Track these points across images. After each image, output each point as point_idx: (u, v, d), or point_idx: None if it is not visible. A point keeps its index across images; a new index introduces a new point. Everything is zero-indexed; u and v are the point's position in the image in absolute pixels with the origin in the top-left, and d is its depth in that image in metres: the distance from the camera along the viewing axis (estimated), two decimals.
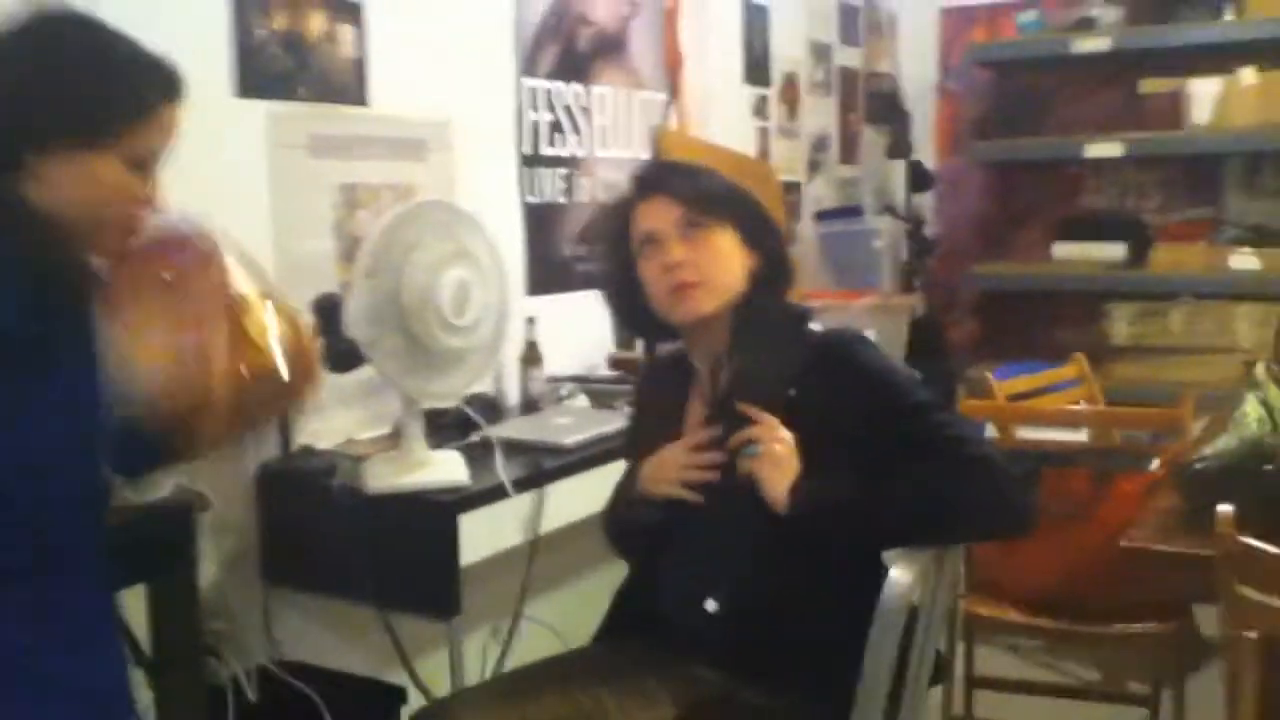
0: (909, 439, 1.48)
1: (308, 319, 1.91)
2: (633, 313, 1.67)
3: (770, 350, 1.54)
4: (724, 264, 1.55)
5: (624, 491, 1.74)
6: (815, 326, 1.61)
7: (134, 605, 1.67)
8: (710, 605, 1.51)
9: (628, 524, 1.71)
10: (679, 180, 1.61)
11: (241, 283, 1.25)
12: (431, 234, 1.97)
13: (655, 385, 1.77)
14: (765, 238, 1.62)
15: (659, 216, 1.56)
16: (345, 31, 2.40)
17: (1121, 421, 2.91)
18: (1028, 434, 2.84)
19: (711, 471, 1.54)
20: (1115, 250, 4.11)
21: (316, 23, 2.33)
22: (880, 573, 1.49)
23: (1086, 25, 4.07)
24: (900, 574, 1.45)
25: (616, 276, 1.65)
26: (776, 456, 1.46)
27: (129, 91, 1.21)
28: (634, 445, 1.78)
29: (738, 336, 1.56)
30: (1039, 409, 2.96)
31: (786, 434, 1.47)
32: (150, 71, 1.23)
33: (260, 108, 2.23)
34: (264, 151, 2.25)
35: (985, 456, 1.47)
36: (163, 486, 1.68)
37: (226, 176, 2.12)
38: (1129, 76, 4.18)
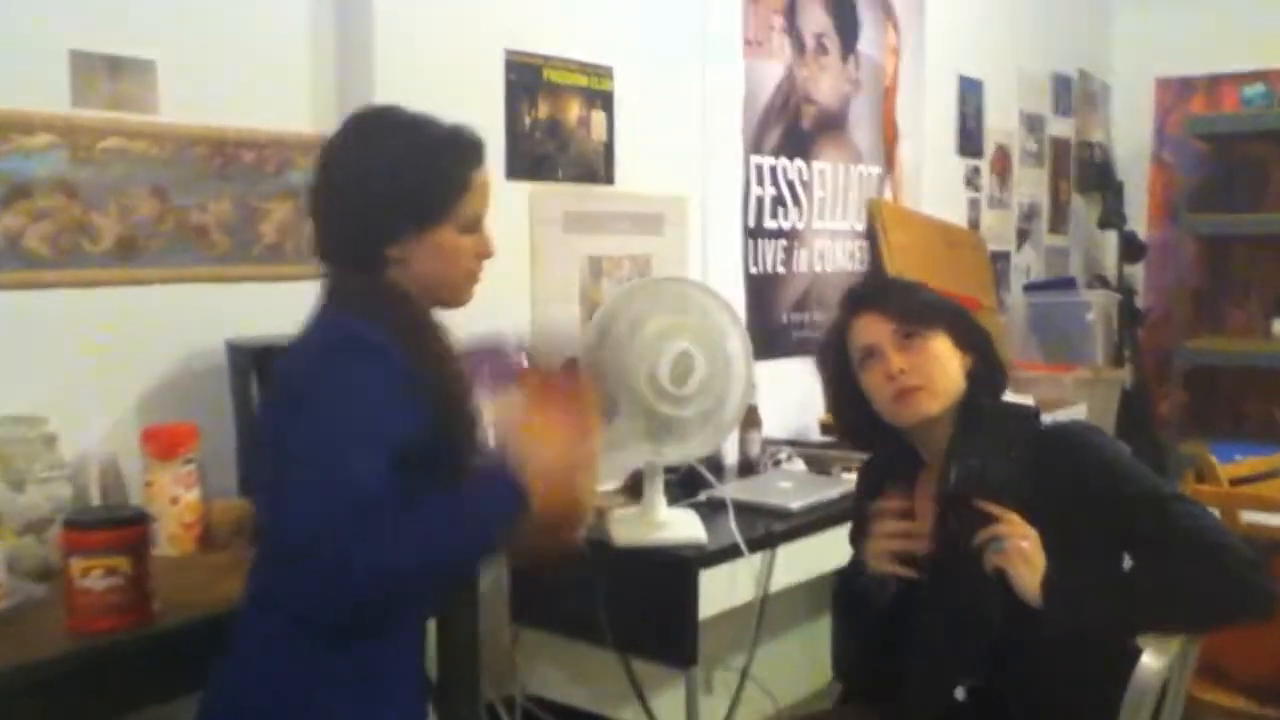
0: (1149, 530, 1.53)
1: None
2: (857, 422, 1.77)
3: (1000, 446, 1.62)
4: (942, 367, 1.64)
5: (853, 574, 1.83)
6: (1045, 420, 1.68)
7: None
8: (959, 694, 1.59)
9: (862, 603, 1.79)
10: (889, 295, 1.72)
11: None
12: (657, 307, 2.11)
13: (878, 479, 1.85)
14: (977, 339, 1.70)
15: (875, 331, 1.66)
16: (598, 118, 2.61)
17: None
18: (1254, 518, 2.76)
19: (914, 541, 1.63)
20: None
21: (574, 110, 2.56)
22: (1125, 655, 1.54)
23: None
24: (1152, 659, 1.49)
25: (840, 389, 1.75)
26: (1025, 552, 1.52)
27: (448, 170, 1.38)
28: (860, 535, 1.86)
29: (965, 434, 1.64)
30: (1269, 496, 2.87)
31: (1030, 529, 1.54)
32: (458, 146, 1.41)
33: (525, 188, 2.46)
34: (525, 227, 2.47)
35: (1227, 545, 1.50)
36: None
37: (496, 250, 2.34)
38: None
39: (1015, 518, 1.54)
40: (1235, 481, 2.91)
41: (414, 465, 1.29)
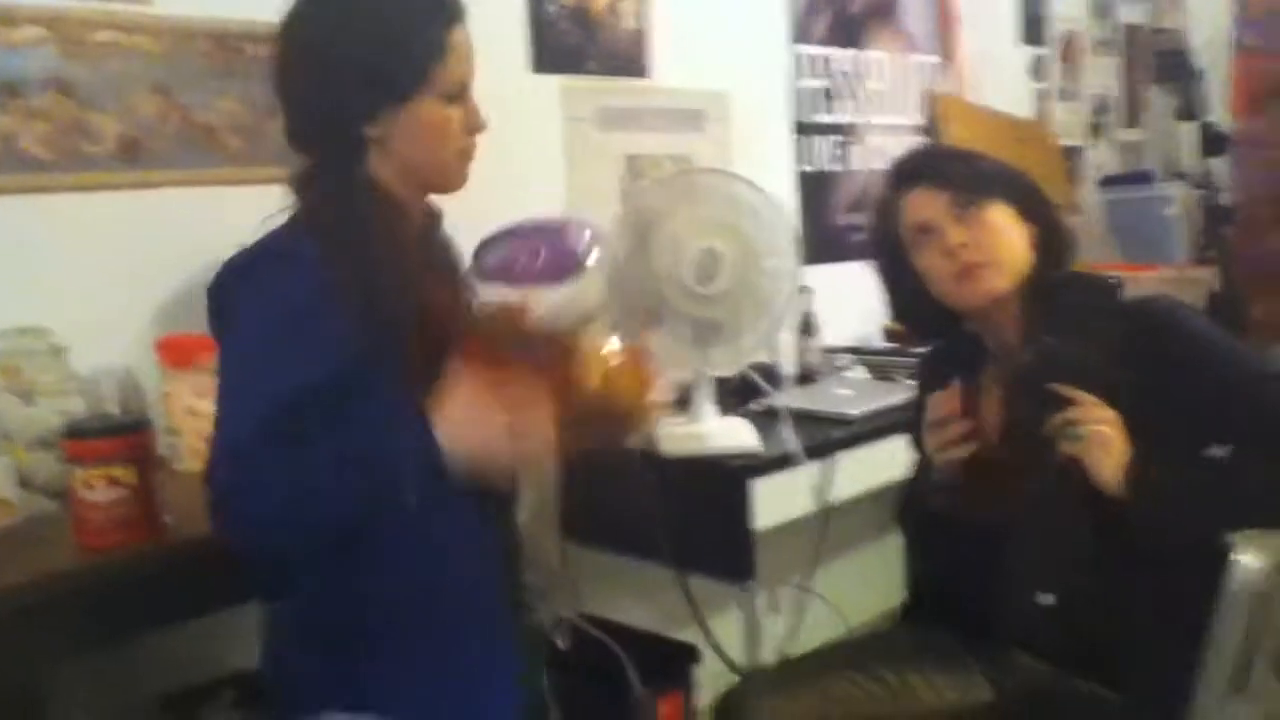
0: (1244, 415, 1.37)
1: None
2: (915, 310, 1.61)
3: (1078, 324, 1.45)
4: (1007, 239, 1.48)
5: (919, 482, 1.67)
6: (1127, 295, 1.51)
7: None
8: (1043, 599, 1.44)
9: (929, 513, 1.64)
10: (940, 164, 1.55)
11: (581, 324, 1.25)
12: (687, 202, 1.97)
13: (941, 372, 1.69)
14: (1040, 208, 1.54)
15: (927, 205, 1.50)
16: (629, 4, 2.45)
17: None
18: None
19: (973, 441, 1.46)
20: None
21: None
22: (1220, 558, 1.38)
23: None
24: (1250, 559, 1.35)
25: (892, 275, 1.59)
26: (1104, 438, 1.35)
27: (423, 35, 1.24)
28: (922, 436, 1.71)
29: (1038, 313, 1.48)
30: None
31: (1110, 413, 1.37)
32: (431, 6, 1.26)
33: (553, 82, 2.31)
34: (557, 124, 2.33)
35: None
36: None
37: (524, 149, 2.20)
38: None
39: (1092, 400, 1.37)
40: None
41: (351, 381, 1.16)
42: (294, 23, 1.27)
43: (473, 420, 1.12)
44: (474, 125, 1.29)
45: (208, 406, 1.72)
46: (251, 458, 1.09)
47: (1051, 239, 1.52)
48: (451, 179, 1.30)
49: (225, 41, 1.88)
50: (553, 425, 1.14)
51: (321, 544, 1.17)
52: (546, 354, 1.18)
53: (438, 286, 1.33)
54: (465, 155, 1.30)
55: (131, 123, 1.79)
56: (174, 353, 1.74)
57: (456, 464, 1.13)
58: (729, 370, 2.31)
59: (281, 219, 1.30)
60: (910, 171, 1.57)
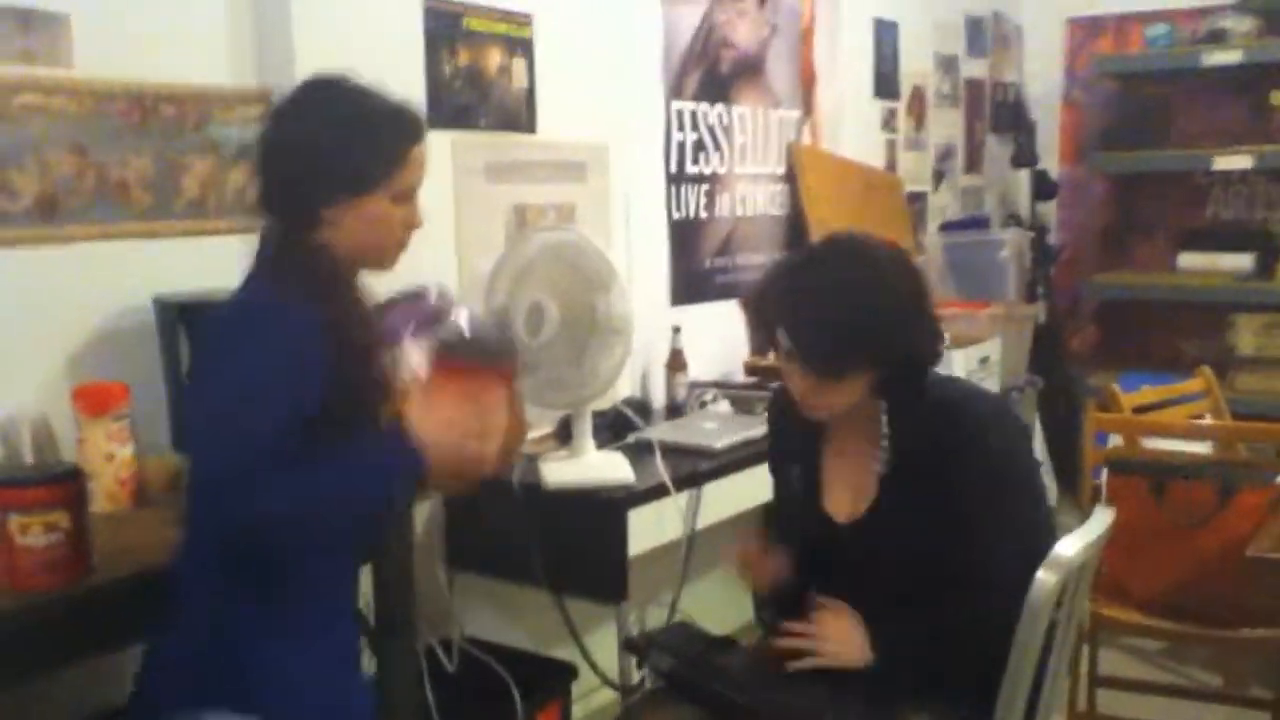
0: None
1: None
2: None
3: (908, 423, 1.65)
4: (847, 398, 1.63)
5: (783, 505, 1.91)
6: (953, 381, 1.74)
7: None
8: None
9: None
10: (803, 346, 1.60)
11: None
12: (535, 261, 2.17)
13: (785, 412, 1.84)
14: (890, 352, 1.60)
15: (792, 379, 1.65)
16: (518, 65, 2.62)
17: (1246, 435, 2.96)
18: (1153, 444, 2.91)
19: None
20: (1241, 261, 4.13)
21: (494, 58, 2.57)
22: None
23: (1218, 37, 4.09)
24: (1045, 576, 1.59)
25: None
26: (832, 655, 1.63)
27: (388, 142, 1.45)
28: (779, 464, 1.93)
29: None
30: (1166, 422, 3.03)
31: (839, 624, 1.64)
32: (400, 120, 1.47)
33: (446, 138, 2.47)
34: (449, 176, 2.49)
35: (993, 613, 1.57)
36: None
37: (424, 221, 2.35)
38: (1259, 88, 4.19)
39: (810, 631, 1.66)
40: (1138, 410, 3.07)
41: (322, 419, 1.35)
42: (282, 112, 1.48)
43: (451, 425, 1.34)
44: (413, 223, 1.50)
45: (124, 453, 1.85)
46: (258, 475, 1.26)
47: (904, 365, 1.64)
48: (384, 263, 1.51)
49: (141, 101, 1.99)
50: (504, 431, 1.38)
51: (321, 542, 1.39)
52: (504, 368, 1.42)
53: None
54: (400, 246, 1.50)
55: (49, 180, 1.88)
56: (90, 401, 1.83)
57: (435, 468, 1.33)
58: (602, 403, 2.51)
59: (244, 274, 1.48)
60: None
